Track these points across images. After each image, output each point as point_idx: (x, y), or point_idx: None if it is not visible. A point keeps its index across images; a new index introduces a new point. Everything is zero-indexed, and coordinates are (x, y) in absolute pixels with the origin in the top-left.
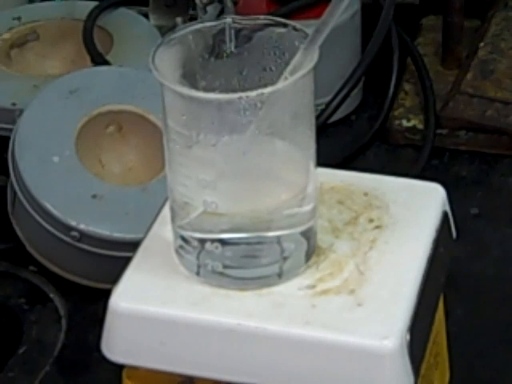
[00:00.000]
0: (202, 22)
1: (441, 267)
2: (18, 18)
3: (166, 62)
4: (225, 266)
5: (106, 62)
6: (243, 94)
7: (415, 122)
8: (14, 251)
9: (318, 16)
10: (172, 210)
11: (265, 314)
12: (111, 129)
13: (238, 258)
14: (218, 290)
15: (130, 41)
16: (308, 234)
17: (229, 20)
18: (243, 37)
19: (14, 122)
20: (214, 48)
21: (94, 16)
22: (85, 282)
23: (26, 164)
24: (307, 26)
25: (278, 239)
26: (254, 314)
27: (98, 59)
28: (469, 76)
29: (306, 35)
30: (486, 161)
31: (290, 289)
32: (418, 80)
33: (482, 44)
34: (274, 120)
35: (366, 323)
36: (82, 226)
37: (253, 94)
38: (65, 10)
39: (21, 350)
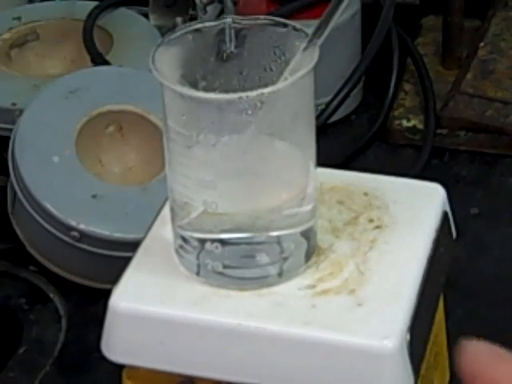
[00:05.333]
0: (201, 22)
1: (441, 267)
2: (18, 18)
3: (166, 62)
4: (225, 266)
5: (106, 62)
6: (243, 94)
7: (415, 122)
8: (14, 251)
9: (317, 16)
10: (172, 210)
11: (265, 313)
12: (111, 129)
13: (238, 258)
14: (217, 290)
15: (130, 41)
16: (308, 234)
17: (229, 20)
18: (243, 37)
19: (13, 122)
20: (214, 48)
21: (94, 16)
22: (85, 282)
23: (26, 164)
24: (307, 25)
25: (278, 239)
26: (254, 314)
27: (98, 59)
28: (469, 76)
29: (306, 35)
30: (486, 161)
31: (290, 289)
32: (418, 80)
33: (482, 44)
34: (274, 120)
35: (366, 323)
36: (81, 226)
37: (253, 94)
38: (65, 10)
39: (21, 350)
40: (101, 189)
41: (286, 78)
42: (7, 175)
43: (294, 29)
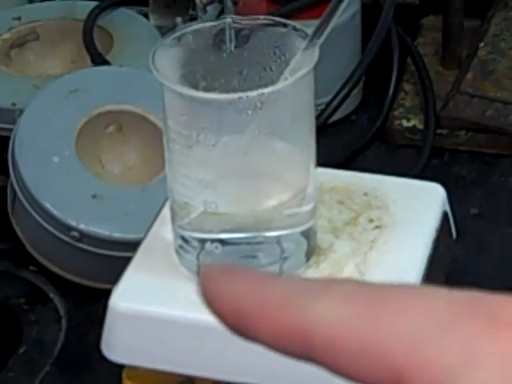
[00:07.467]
0: (202, 22)
1: (441, 267)
2: (18, 18)
3: (166, 62)
4: None
5: (106, 62)
6: (243, 94)
7: (415, 121)
8: (14, 251)
9: (318, 16)
10: (172, 210)
11: None
12: (111, 129)
13: (237, 258)
14: None
15: (130, 41)
16: (308, 234)
17: (229, 20)
18: (243, 37)
19: (14, 122)
20: (214, 48)
21: (94, 16)
22: (85, 282)
23: (26, 164)
24: (307, 25)
25: (278, 239)
26: None
27: (98, 59)
28: (469, 76)
29: (306, 35)
30: (486, 161)
31: None
32: (418, 80)
33: (481, 44)
34: (274, 120)
35: None
36: (82, 226)
37: (253, 93)
38: (65, 10)
39: (21, 350)
40: (101, 189)
41: (286, 78)
42: (7, 175)
43: (294, 29)
